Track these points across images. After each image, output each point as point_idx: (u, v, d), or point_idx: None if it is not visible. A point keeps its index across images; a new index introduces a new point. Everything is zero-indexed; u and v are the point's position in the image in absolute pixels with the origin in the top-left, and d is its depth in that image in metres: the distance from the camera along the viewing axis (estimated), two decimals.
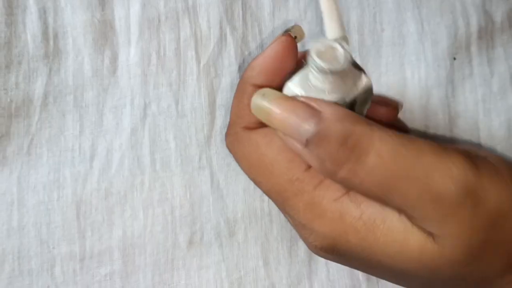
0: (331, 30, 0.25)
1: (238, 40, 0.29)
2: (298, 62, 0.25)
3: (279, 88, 0.25)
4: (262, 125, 0.25)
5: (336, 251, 0.24)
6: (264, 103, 0.24)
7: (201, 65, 0.29)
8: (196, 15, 0.29)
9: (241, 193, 0.29)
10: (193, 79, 0.29)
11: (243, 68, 0.30)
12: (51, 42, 0.27)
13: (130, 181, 0.27)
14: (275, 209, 0.29)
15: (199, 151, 0.28)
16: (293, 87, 0.24)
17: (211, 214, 0.28)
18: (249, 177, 0.26)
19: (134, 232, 0.27)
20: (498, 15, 0.32)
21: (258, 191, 0.29)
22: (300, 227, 0.25)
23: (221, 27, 0.29)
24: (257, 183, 0.26)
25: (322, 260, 0.29)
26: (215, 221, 0.28)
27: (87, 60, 0.28)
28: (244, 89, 0.25)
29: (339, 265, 0.30)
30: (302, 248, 0.29)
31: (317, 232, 0.24)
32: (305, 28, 0.31)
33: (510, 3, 0.33)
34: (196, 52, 0.29)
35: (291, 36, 0.25)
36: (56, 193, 0.27)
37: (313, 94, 0.24)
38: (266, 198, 0.29)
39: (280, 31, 0.27)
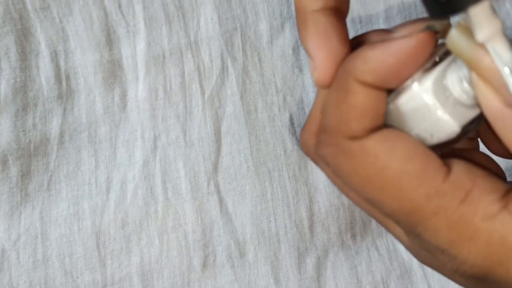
0: None
1: (239, 70, 0.31)
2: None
3: (392, 90, 0.20)
4: (373, 129, 0.20)
5: (486, 282, 0.19)
6: (472, 43, 0.18)
7: (206, 96, 0.30)
8: (198, 49, 0.30)
9: (249, 215, 0.30)
10: (198, 110, 0.30)
11: (245, 97, 0.31)
12: (64, 83, 0.29)
13: (144, 210, 0.29)
14: (282, 229, 0.30)
15: (207, 178, 0.30)
16: (425, 96, 0.19)
17: (222, 237, 0.29)
18: (363, 196, 0.22)
19: (151, 258, 0.29)
20: None
21: (265, 213, 0.30)
22: (436, 252, 0.20)
23: (222, 59, 0.31)
24: (375, 203, 0.21)
25: (330, 275, 0.30)
26: (226, 243, 0.29)
27: (98, 98, 0.29)
28: (348, 87, 0.20)
29: (347, 279, 0.31)
30: (310, 264, 0.30)
31: (464, 259, 0.19)
32: (301, 53, 0.32)
33: None
34: (200, 85, 0.30)
35: (434, 34, 0.19)
36: (77, 226, 0.28)
37: (450, 109, 0.19)
38: (272, 219, 0.30)
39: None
